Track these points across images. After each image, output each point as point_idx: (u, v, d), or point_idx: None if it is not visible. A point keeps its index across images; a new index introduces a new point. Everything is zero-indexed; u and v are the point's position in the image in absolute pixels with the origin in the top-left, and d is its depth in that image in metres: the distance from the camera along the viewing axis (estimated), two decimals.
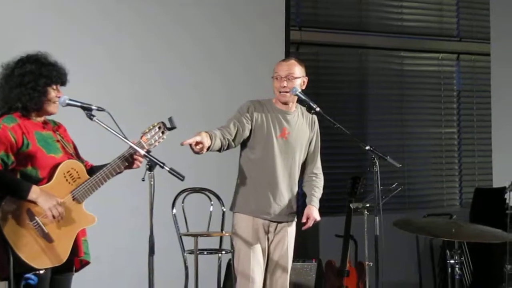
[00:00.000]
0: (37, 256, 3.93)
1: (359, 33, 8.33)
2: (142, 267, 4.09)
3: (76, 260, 4.17)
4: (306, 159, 4.97)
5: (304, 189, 5.04)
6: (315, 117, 4.95)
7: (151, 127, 4.16)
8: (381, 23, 8.49)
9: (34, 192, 3.91)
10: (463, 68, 8.98)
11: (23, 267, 3.88)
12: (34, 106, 4.06)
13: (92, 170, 4.18)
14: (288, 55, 7.05)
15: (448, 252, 5.38)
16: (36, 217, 3.94)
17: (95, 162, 4.30)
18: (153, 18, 6.70)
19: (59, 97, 4.10)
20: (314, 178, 5.01)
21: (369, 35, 8.38)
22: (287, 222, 4.89)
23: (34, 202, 3.93)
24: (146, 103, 6.53)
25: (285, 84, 4.79)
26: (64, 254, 4.02)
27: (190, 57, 6.88)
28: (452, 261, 5.32)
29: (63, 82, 4.16)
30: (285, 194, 4.85)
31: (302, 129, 4.91)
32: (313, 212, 4.87)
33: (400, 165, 4.74)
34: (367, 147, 4.61)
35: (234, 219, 4.90)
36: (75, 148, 4.30)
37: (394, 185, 5.42)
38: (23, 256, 3.88)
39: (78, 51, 6.18)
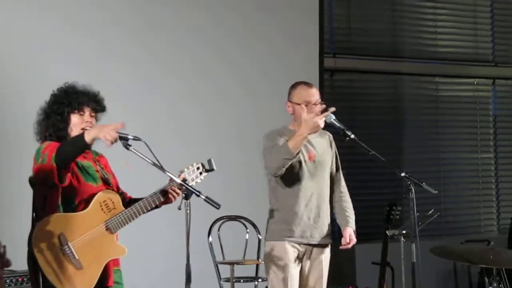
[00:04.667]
0: (64, 281, 3.96)
1: (393, 60, 8.33)
2: None
3: None
4: (331, 178, 4.94)
5: (335, 210, 4.98)
6: (331, 136, 4.96)
7: (190, 166, 4.18)
8: (415, 49, 8.48)
9: (87, 135, 3.94)
10: (499, 93, 8.93)
11: None
12: (60, 134, 4.13)
13: (130, 202, 4.21)
14: (322, 82, 7.06)
15: (486, 279, 5.35)
16: (68, 243, 3.98)
17: (135, 194, 4.32)
18: (190, 48, 6.75)
19: (88, 121, 4.15)
20: (343, 198, 4.96)
21: (403, 61, 8.37)
22: (322, 245, 4.86)
23: (68, 227, 3.96)
24: (182, 134, 6.57)
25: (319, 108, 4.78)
26: (91, 281, 4.04)
27: (225, 84, 6.90)
28: None
29: (95, 109, 4.20)
30: (319, 216, 4.81)
31: (325, 148, 4.90)
32: (353, 234, 4.86)
33: (436, 192, 4.73)
34: (403, 174, 4.60)
35: (266, 247, 4.86)
36: (115, 180, 4.35)
37: (430, 212, 5.38)
38: (51, 279, 3.93)
39: (117, 81, 6.25)
